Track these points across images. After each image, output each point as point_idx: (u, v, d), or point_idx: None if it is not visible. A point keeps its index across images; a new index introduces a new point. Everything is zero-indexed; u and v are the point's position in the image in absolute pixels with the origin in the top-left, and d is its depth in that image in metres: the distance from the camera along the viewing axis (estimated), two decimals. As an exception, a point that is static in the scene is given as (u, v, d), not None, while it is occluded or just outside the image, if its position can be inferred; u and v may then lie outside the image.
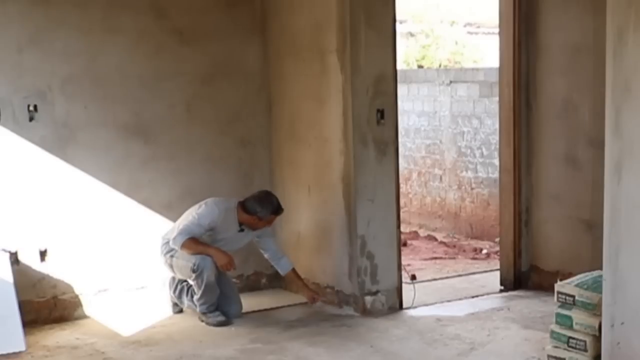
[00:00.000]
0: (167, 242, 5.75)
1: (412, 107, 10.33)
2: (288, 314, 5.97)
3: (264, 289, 6.62)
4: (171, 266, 5.78)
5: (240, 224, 5.80)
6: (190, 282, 5.72)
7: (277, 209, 5.79)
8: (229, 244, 5.75)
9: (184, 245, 5.60)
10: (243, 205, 5.76)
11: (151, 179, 6.13)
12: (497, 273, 6.75)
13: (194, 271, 5.59)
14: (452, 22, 16.46)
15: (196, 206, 5.74)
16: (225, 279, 5.87)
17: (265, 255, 6.06)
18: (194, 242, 5.62)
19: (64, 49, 5.77)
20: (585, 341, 4.35)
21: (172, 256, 5.74)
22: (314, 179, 6.19)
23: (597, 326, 4.28)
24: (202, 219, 5.65)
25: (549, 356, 4.55)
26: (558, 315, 4.49)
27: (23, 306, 5.32)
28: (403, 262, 6.17)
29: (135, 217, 6.06)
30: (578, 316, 4.40)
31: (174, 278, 5.91)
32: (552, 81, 6.28)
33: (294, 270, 6.03)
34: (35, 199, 5.71)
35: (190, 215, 5.70)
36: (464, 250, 8.69)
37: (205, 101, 6.29)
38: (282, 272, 6.08)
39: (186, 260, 5.64)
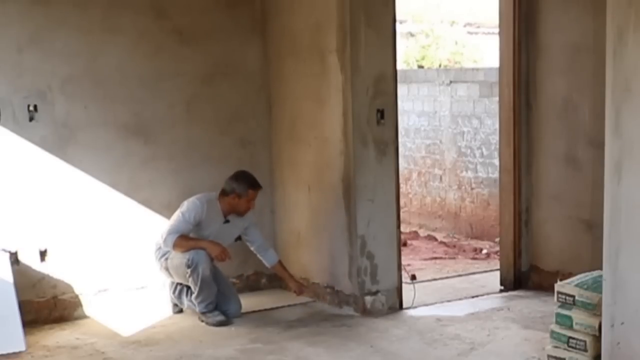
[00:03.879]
0: (160, 248, 5.76)
1: (412, 107, 10.34)
2: (288, 314, 5.97)
3: (264, 289, 6.62)
4: (167, 269, 5.78)
5: (225, 215, 5.81)
6: (187, 281, 5.70)
7: (254, 183, 5.79)
8: (217, 238, 5.75)
9: (175, 244, 5.61)
10: (222, 191, 5.78)
11: (151, 179, 6.14)
12: (497, 273, 6.75)
13: (188, 266, 5.59)
14: (452, 22, 16.47)
15: (179, 207, 5.76)
16: (222, 278, 5.88)
17: (252, 248, 6.07)
18: (185, 238, 5.63)
19: (64, 49, 5.77)
20: (585, 341, 4.35)
21: (166, 259, 5.75)
22: (314, 179, 6.19)
23: (597, 326, 4.28)
24: (187, 215, 5.67)
25: (549, 356, 4.55)
26: (558, 315, 4.49)
27: (23, 306, 5.32)
28: (403, 262, 6.17)
29: (135, 217, 6.06)
30: (578, 316, 4.40)
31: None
32: (552, 81, 6.28)
33: (280, 262, 6.08)
34: (35, 199, 5.71)
35: (175, 216, 5.73)
36: (464, 250, 8.69)
37: (205, 101, 6.30)
38: (268, 264, 6.10)
39: (180, 258, 5.64)
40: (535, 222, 6.51)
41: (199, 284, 5.63)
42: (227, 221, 5.85)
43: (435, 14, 16.38)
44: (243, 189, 5.76)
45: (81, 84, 5.85)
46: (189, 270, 5.61)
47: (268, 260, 6.08)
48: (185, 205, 5.73)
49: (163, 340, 5.39)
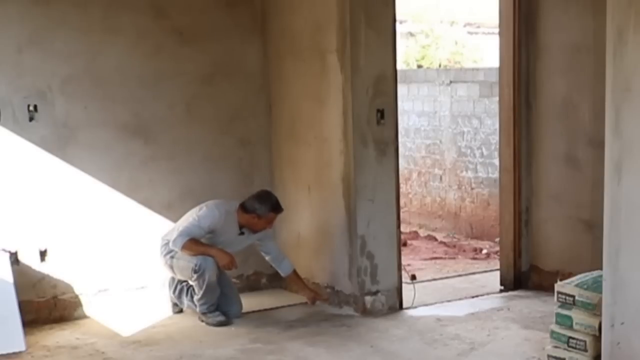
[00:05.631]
0: (167, 243, 5.74)
1: (412, 107, 10.34)
2: (288, 314, 5.97)
3: (264, 289, 6.62)
4: (171, 267, 5.78)
5: (241, 227, 5.81)
6: (191, 282, 5.71)
7: (276, 207, 5.79)
8: (228, 246, 5.74)
9: (184, 247, 5.60)
10: (243, 206, 5.77)
11: (151, 179, 6.13)
12: (497, 273, 6.75)
13: (195, 272, 5.59)
14: (452, 22, 16.47)
15: (197, 208, 5.74)
16: (225, 279, 5.87)
17: (267, 258, 6.07)
18: (195, 243, 5.62)
19: (64, 49, 5.77)
20: (585, 341, 4.35)
21: (172, 257, 5.74)
22: (314, 179, 6.19)
23: (597, 326, 4.28)
24: (202, 221, 5.65)
25: (549, 356, 4.55)
26: (558, 315, 4.49)
27: (23, 306, 5.32)
28: (403, 262, 6.17)
29: (135, 217, 6.06)
30: (578, 316, 4.40)
31: (173, 278, 5.91)
32: (552, 81, 6.28)
33: (294, 271, 6.06)
34: (35, 199, 5.71)
35: (190, 217, 5.70)
36: (464, 250, 8.69)
37: (205, 101, 6.30)
38: (283, 274, 6.10)
39: (187, 261, 5.64)
40: (535, 222, 6.50)
41: (204, 288, 5.63)
42: (241, 233, 5.84)
43: (435, 14, 16.37)
44: (264, 211, 5.74)
45: (81, 84, 5.84)
46: (195, 275, 5.61)
47: (283, 270, 6.06)
48: (204, 210, 5.70)
49: (163, 340, 5.39)
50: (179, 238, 5.61)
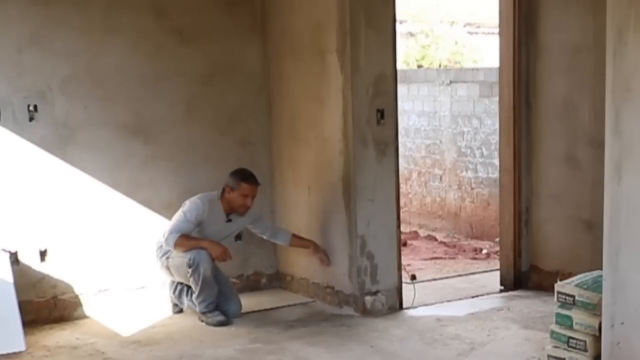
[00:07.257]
0: (161, 246, 5.76)
1: (412, 107, 10.34)
2: (288, 314, 5.97)
3: (264, 289, 6.62)
4: (168, 268, 5.79)
5: (228, 214, 5.82)
6: (188, 280, 5.70)
7: (246, 177, 5.79)
8: (220, 237, 5.77)
9: (176, 244, 5.62)
10: (222, 189, 5.81)
11: (151, 179, 6.14)
12: (497, 273, 6.75)
13: (190, 266, 5.60)
14: (452, 22, 16.47)
15: (181, 207, 5.77)
16: (223, 278, 5.88)
17: (264, 237, 6.14)
18: (186, 238, 5.64)
19: (64, 49, 5.77)
20: (585, 341, 4.35)
21: (167, 258, 5.75)
22: (314, 179, 6.19)
23: (597, 326, 4.28)
24: (188, 215, 5.68)
25: (549, 356, 4.55)
26: (558, 315, 4.49)
27: (23, 306, 5.32)
28: (403, 262, 6.17)
29: (135, 217, 6.06)
30: (578, 316, 4.40)
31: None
32: (552, 81, 6.28)
33: (294, 235, 6.11)
34: (35, 199, 5.71)
35: (177, 215, 5.74)
36: (464, 250, 8.69)
37: (205, 101, 6.30)
38: (285, 243, 6.16)
39: (181, 257, 5.65)
40: (535, 222, 6.51)
41: (199, 283, 5.63)
42: (229, 220, 5.85)
43: (435, 14, 16.38)
44: (235, 182, 5.76)
45: (81, 84, 5.85)
46: (190, 270, 5.61)
47: (282, 240, 6.15)
48: (187, 204, 5.74)
49: (163, 340, 5.39)
50: (170, 236, 5.63)
